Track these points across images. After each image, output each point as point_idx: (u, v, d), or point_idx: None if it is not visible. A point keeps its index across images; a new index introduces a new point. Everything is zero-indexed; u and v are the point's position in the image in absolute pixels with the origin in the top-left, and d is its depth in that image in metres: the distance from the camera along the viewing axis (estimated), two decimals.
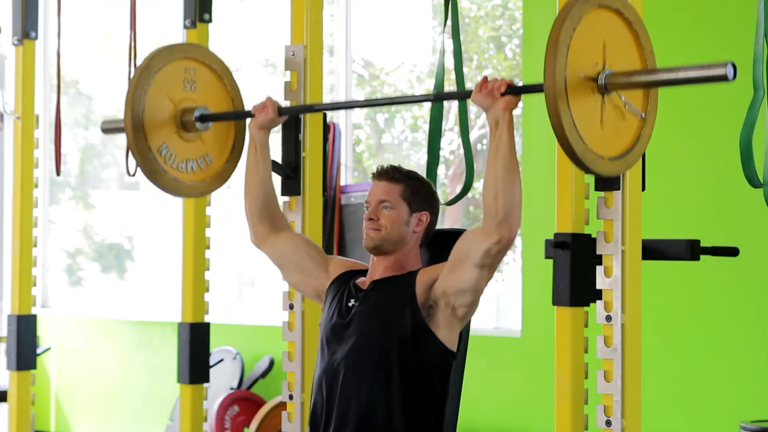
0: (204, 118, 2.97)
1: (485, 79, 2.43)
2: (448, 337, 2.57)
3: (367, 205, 2.68)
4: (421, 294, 2.55)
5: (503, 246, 2.44)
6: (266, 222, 2.84)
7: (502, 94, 2.39)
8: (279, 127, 3.16)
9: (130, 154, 4.02)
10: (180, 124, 2.95)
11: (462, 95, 2.51)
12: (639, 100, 2.38)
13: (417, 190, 2.68)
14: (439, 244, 2.76)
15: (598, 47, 2.30)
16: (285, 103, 3.15)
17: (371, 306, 2.61)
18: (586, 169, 2.31)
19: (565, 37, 2.21)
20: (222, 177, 3.05)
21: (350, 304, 2.65)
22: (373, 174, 2.71)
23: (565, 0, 2.81)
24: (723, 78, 2.17)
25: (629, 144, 2.37)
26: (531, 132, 4.71)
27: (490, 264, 2.47)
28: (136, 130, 2.85)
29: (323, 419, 2.59)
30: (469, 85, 5.46)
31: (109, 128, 3.17)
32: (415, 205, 2.67)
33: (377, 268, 2.68)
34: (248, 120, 2.96)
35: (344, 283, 2.72)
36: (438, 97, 2.60)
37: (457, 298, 2.52)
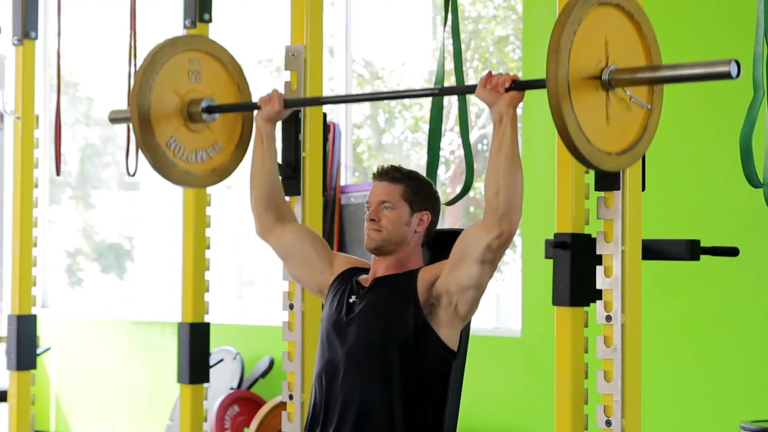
0: (210, 110, 2.96)
1: (489, 74, 2.42)
2: (449, 336, 2.57)
3: (368, 206, 2.68)
4: (422, 292, 2.55)
5: (504, 240, 2.44)
6: (272, 213, 2.83)
7: (507, 90, 2.39)
8: (280, 128, 3.17)
9: (130, 154, 4.03)
10: (187, 115, 2.94)
11: (466, 90, 2.52)
12: (644, 94, 2.38)
13: (418, 190, 2.68)
14: (440, 245, 2.76)
15: (600, 45, 2.29)
16: None
17: (372, 303, 2.61)
18: (595, 168, 2.31)
19: (566, 42, 2.19)
20: (232, 164, 3.04)
21: (351, 301, 2.65)
22: (374, 174, 2.71)
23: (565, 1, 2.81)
24: (727, 75, 2.17)
25: (636, 136, 2.37)
26: (531, 131, 4.71)
27: (492, 259, 2.47)
28: (143, 127, 2.84)
29: (322, 415, 2.59)
30: (468, 83, 5.46)
31: (116, 118, 3.15)
32: (416, 205, 2.67)
33: (379, 267, 2.68)
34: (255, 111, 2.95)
35: (347, 279, 2.72)
36: (443, 92, 2.62)
37: (460, 295, 2.52)
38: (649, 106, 2.38)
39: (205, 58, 3.00)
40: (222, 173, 3.02)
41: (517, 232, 2.45)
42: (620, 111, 2.32)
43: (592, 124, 2.25)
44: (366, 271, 2.74)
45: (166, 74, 2.90)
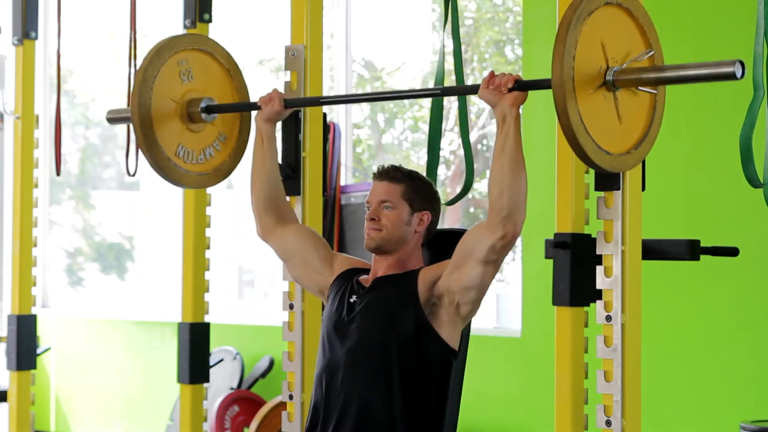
0: (210, 110, 2.97)
1: (492, 74, 2.42)
2: (450, 335, 2.57)
3: (368, 205, 2.68)
4: (423, 292, 2.55)
5: (508, 241, 2.44)
6: (272, 214, 2.83)
7: (510, 90, 2.39)
8: (280, 128, 3.17)
9: (130, 154, 4.03)
10: (187, 117, 2.95)
11: (469, 90, 2.52)
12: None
13: (418, 190, 2.68)
14: (440, 245, 2.76)
15: (599, 51, 2.29)
16: None
17: (373, 303, 2.61)
18: (617, 171, 2.36)
19: (568, 75, 2.19)
20: (240, 149, 3.06)
21: (352, 300, 2.65)
22: (374, 174, 2.71)
23: (565, 5, 2.81)
24: (731, 76, 2.18)
25: (647, 121, 2.39)
26: (531, 131, 4.71)
27: (495, 260, 2.47)
28: (150, 146, 2.86)
29: (323, 415, 2.59)
30: (468, 84, 5.46)
31: (115, 117, 3.16)
32: (416, 205, 2.67)
33: (380, 267, 2.68)
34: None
35: (347, 279, 2.72)
36: (444, 92, 2.60)
37: (462, 295, 2.52)
38: (656, 92, 2.40)
39: (191, 54, 2.99)
40: (233, 160, 3.06)
41: (522, 226, 2.45)
42: (628, 100, 2.33)
43: (606, 131, 2.27)
44: (366, 271, 2.74)
45: (160, 86, 2.90)
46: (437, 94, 2.61)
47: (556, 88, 2.19)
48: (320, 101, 3.04)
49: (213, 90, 3.02)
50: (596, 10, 2.27)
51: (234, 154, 3.06)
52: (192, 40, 3.02)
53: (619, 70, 2.29)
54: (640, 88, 2.34)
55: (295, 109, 3.00)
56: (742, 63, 2.16)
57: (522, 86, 2.38)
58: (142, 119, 2.84)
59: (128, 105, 3.94)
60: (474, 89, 2.47)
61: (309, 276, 2.79)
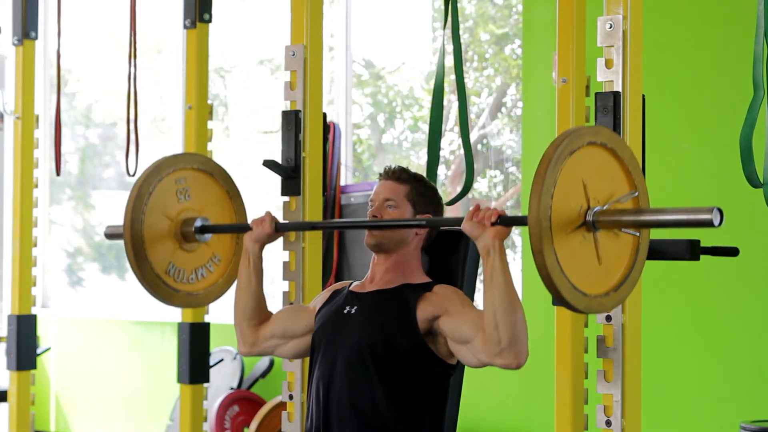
0: (203, 230, 2.91)
1: (477, 207, 2.39)
2: (449, 357, 2.56)
3: (372, 204, 2.67)
4: (422, 321, 2.53)
5: (509, 369, 2.38)
6: (255, 326, 2.79)
7: (493, 224, 2.35)
8: (280, 128, 3.17)
9: (130, 154, 4.03)
10: (181, 236, 2.88)
11: (453, 222, 2.50)
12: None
13: (422, 193, 2.68)
14: (440, 246, 2.76)
15: (579, 190, 2.21)
16: (285, 105, 3.15)
17: (371, 317, 2.59)
18: (594, 312, 2.27)
19: (545, 214, 2.12)
20: (234, 272, 2.97)
21: (346, 311, 2.63)
22: (380, 174, 2.71)
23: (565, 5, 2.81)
24: (708, 223, 2.09)
25: (629, 263, 2.30)
26: (530, 129, 4.71)
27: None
28: (140, 262, 2.78)
29: (322, 423, 2.58)
30: (468, 83, 5.46)
31: (111, 234, 3.06)
32: (419, 207, 2.66)
33: (377, 270, 2.67)
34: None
35: (338, 296, 2.71)
36: (431, 224, 2.61)
37: (455, 354, 2.52)
38: (638, 233, 2.31)
39: (190, 173, 2.93)
40: (225, 284, 2.99)
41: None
42: (610, 242, 2.25)
43: (585, 274, 2.19)
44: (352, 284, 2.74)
45: (155, 203, 2.83)
46: (423, 225, 2.61)
47: (532, 227, 2.11)
48: (312, 226, 3.00)
49: (210, 210, 2.96)
50: (578, 149, 2.19)
51: (228, 277, 2.98)
52: (192, 159, 2.97)
53: (600, 211, 2.21)
54: (623, 229, 2.25)
55: (283, 233, 2.93)
56: (720, 211, 2.10)
57: (504, 221, 2.35)
58: (134, 235, 2.77)
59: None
60: (458, 221, 2.42)
61: (302, 341, 2.75)
